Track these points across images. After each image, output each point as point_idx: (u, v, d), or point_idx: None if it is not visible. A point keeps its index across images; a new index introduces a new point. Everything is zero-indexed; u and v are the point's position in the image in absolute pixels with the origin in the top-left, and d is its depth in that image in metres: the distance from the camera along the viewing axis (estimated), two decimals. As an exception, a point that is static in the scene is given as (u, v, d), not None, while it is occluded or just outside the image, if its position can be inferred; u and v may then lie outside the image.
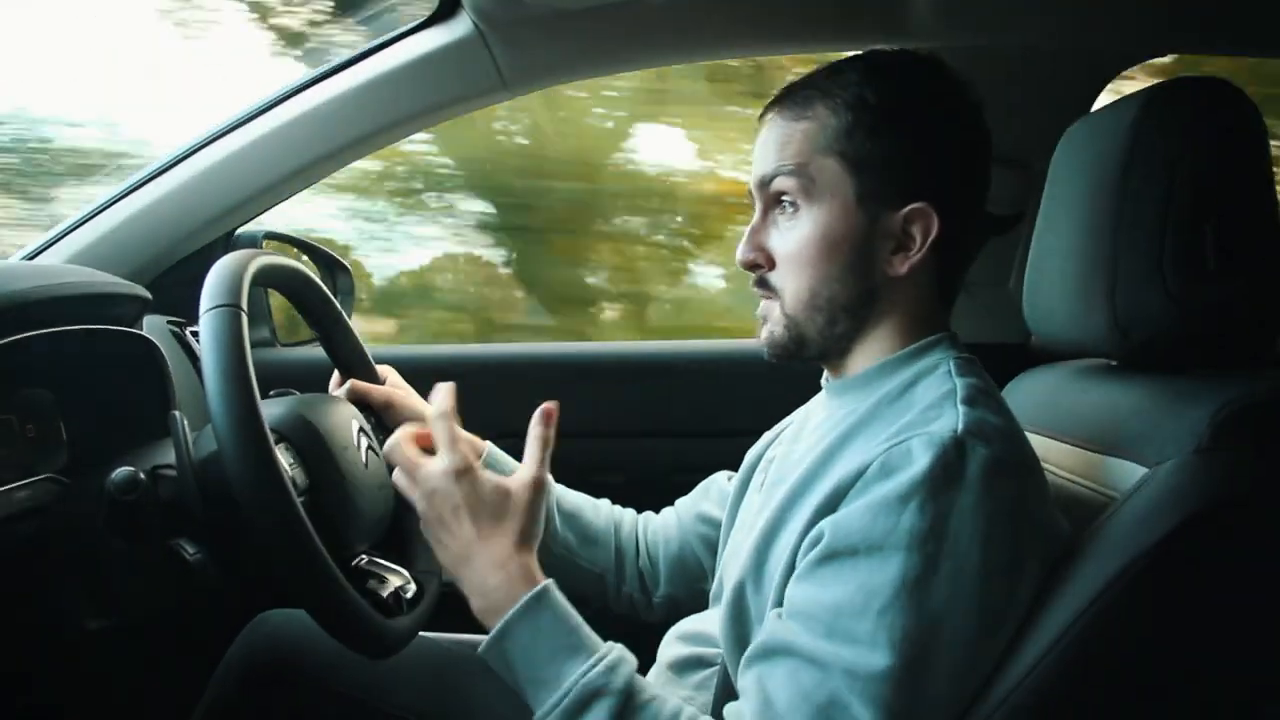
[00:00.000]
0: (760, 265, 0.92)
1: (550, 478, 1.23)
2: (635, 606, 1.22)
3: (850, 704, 0.73)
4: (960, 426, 0.78)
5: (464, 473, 0.89)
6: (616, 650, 0.85)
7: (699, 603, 1.17)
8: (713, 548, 1.15)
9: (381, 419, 1.18)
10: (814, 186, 0.88)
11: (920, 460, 0.76)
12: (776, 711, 0.76)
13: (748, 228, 0.93)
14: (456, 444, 0.90)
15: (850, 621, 0.74)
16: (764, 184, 0.91)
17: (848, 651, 0.74)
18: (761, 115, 0.94)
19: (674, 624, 1.10)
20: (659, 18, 1.41)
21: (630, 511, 1.27)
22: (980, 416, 0.80)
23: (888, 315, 0.90)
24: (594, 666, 0.82)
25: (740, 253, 0.93)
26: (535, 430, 0.93)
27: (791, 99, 0.91)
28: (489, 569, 0.87)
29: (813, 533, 0.79)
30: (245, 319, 0.88)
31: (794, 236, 0.89)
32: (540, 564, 1.20)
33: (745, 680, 0.80)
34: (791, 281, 0.90)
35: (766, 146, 0.92)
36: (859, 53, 0.93)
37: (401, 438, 0.94)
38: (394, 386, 1.22)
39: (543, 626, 0.85)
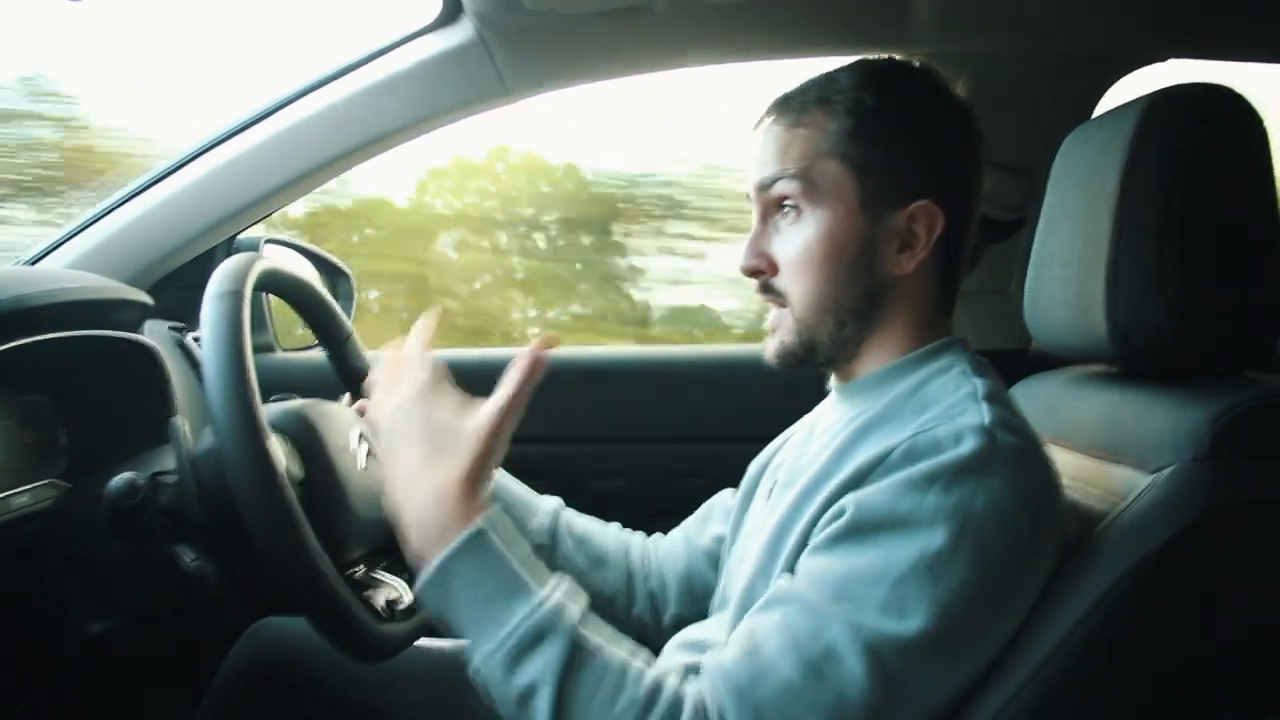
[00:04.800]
0: (763, 271, 0.93)
1: (560, 501, 1.23)
2: (645, 629, 1.20)
3: (845, 657, 0.72)
4: (987, 419, 0.79)
5: (425, 394, 0.83)
6: (562, 589, 0.79)
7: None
8: (719, 566, 1.15)
9: None
10: (816, 189, 0.89)
11: (950, 446, 0.77)
12: (763, 658, 0.74)
13: (749, 234, 0.94)
14: (424, 364, 0.86)
15: (863, 588, 0.74)
16: (764, 188, 0.92)
17: (853, 610, 0.73)
18: (756, 124, 0.95)
19: (676, 629, 1.09)
20: (661, 24, 1.41)
21: (639, 534, 1.26)
22: (1003, 413, 0.81)
23: (894, 317, 0.91)
24: (538, 607, 0.76)
25: (743, 259, 0.93)
26: (515, 374, 0.83)
27: (787, 107, 0.92)
28: (428, 502, 0.79)
29: (832, 509, 0.79)
30: (247, 305, 0.89)
31: (798, 240, 0.90)
32: None
33: (736, 631, 0.79)
34: (798, 285, 0.90)
35: (765, 152, 0.92)
36: (850, 62, 0.93)
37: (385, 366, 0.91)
38: None
39: (485, 563, 0.78)
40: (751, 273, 0.93)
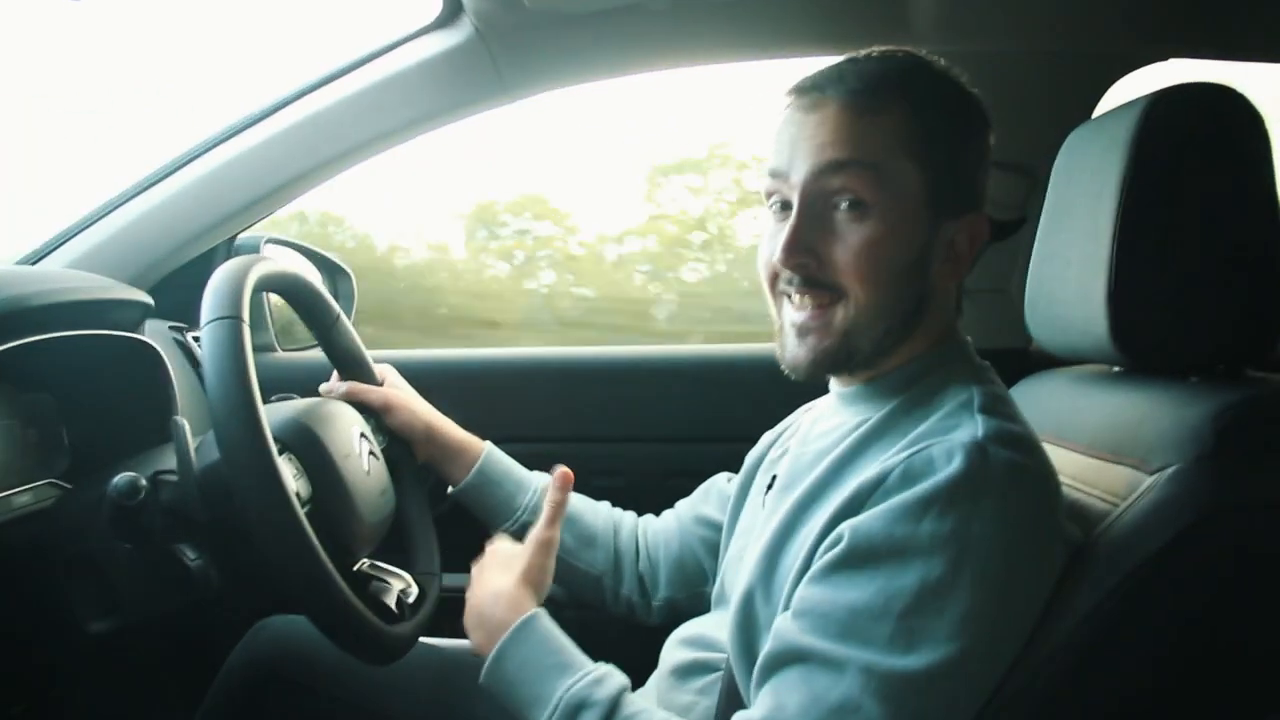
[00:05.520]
0: (807, 264, 0.85)
1: (549, 478, 1.24)
2: (634, 609, 1.22)
3: (863, 704, 0.72)
4: (980, 433, 0.78)
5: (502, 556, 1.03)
6: (605, 667, 0.89)
7: (698, 605, 1.17)
8: (713, 550, 1.15)
9: (381, 420, 1.18)
10: (888, 186, 0.83)
11: (942, 467, 0.75)
12: (788, 716, 0.75)
13: (789, 224, 0.85)
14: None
15: (869, 623, 0.73)
16: (820, 173, 0.83)
17: (865, 652, 0.73)
18: (809, 101, 0.86)
19: (675, 628, 1.10)
20: (660, 23, 1.41)
21: (630, 514, 1.27)
22: (998, 424, 0.80)
23: (922, 326, 0.89)
24: (580, 680, 0.86)
25: (788, 251, 0.84)
26: (550, 494, 1.04)
27: (855, 90, 0.84)
28: (487, 601, 0.96)
29: (830, 537, 0.78)
30: (247, 330, 0.88)
31: (863, 239, 0.83)
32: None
33: (760, 697, 0.79)
34: (862, 286, 0.84)
35: (823, 135, 0.84)
36: (915, 53, 0.89)
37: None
38: (393, 387, 1.23)
39: (534, 647, 0.91)
40: (798, 266, 0.85)
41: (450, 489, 1.23)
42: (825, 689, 0.73)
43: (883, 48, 0.90)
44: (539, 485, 1.22)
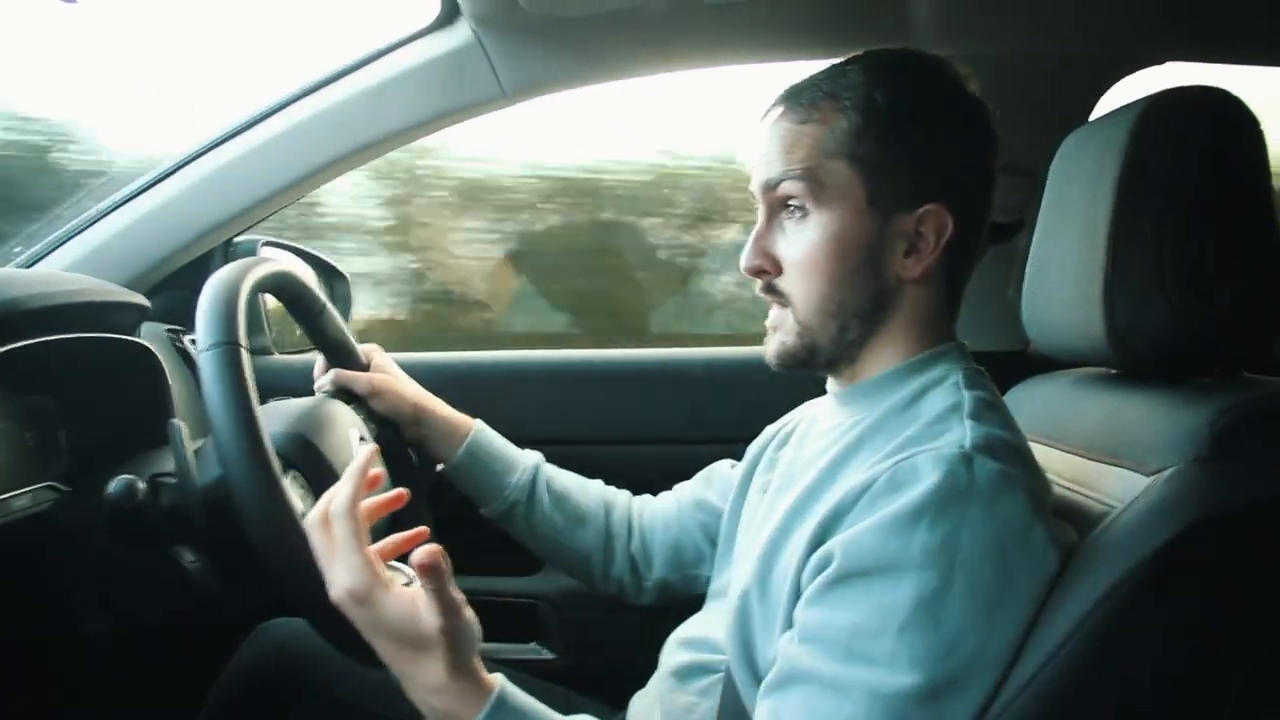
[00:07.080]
0: (767, 271, 0.90)
1: (540, 456, 1.25)
2: (624, 589, 1.22)
3: None
4: (968, 441, 0.78)
5: (362, 600, 0.78)
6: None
7: (691, 587, 1.17)
8: (711, 536, 1.16)
9: (370, 407, 1.18)
10: (824, 190, 0.86)
11: (929, 476, 0.75)
12: None
13: (752, 233, 0.91)
14: (355, 564, 0.78)
15: (869, 642, 0.73)
16: (769, 187, 0.89)
17: (868, 673, 0.73)
18: (762, 117, 0.92)
19: (669, 614, 1.10)
20: (658, 26, 1.41)
21: (624, 493, 1.27)
22: (987, 431, 0.80)
23: (897, 321, 0.89)
24: None
25: (745, 259, 0.91)
26: (427, 585, 0.78)
27: (795, 101, 0.89)
28: (428, 693, 0.79)
29: (820, 554, 0.78)
30: (245, 355, 0.88)
31: (804, 241, 0.88)
32: (528, 544, 1.23)
33: (759, 713, 0.79)
34: (802, 287, 0.88)
35: (770, 149, 0.89)
36: (860, 54, 0.91)
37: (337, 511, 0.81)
38: (379, 369, 1.23)
39: None
40: (755, 273, 0.91)
41: (440, 467, 1.23)
42: (828, 714, 0.73)
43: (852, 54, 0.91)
44: (528, 464, 1.22)
